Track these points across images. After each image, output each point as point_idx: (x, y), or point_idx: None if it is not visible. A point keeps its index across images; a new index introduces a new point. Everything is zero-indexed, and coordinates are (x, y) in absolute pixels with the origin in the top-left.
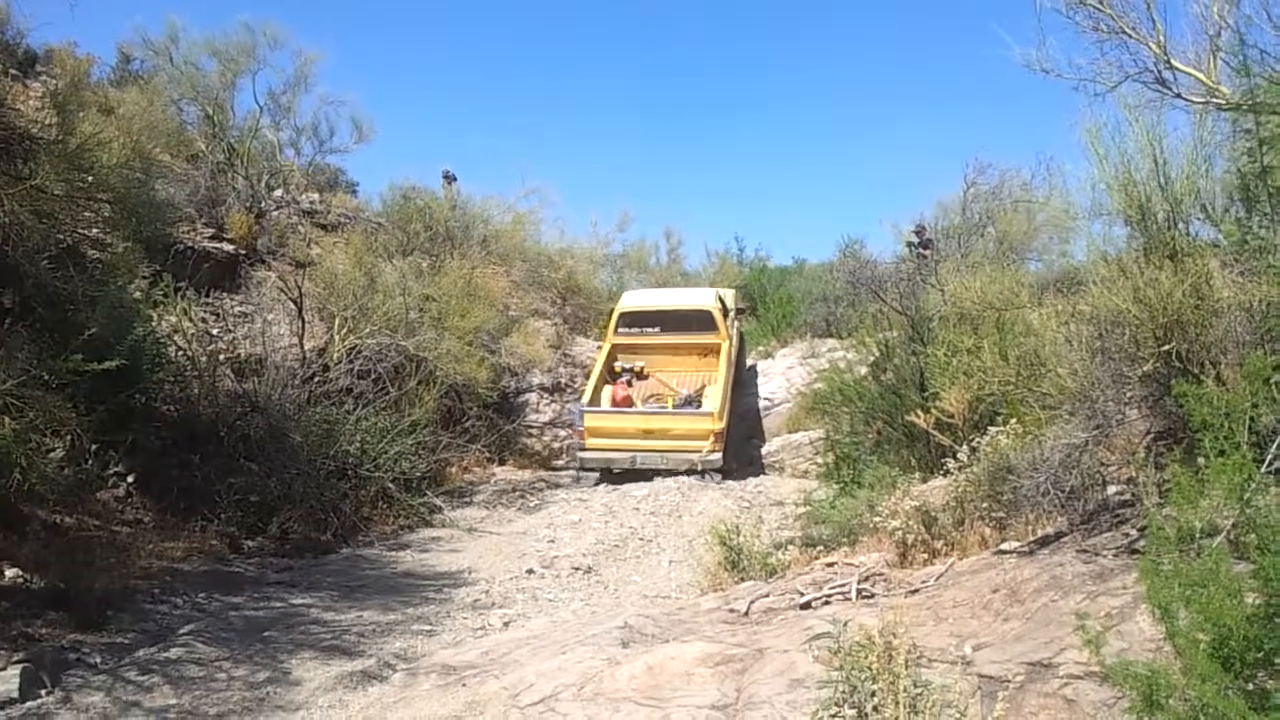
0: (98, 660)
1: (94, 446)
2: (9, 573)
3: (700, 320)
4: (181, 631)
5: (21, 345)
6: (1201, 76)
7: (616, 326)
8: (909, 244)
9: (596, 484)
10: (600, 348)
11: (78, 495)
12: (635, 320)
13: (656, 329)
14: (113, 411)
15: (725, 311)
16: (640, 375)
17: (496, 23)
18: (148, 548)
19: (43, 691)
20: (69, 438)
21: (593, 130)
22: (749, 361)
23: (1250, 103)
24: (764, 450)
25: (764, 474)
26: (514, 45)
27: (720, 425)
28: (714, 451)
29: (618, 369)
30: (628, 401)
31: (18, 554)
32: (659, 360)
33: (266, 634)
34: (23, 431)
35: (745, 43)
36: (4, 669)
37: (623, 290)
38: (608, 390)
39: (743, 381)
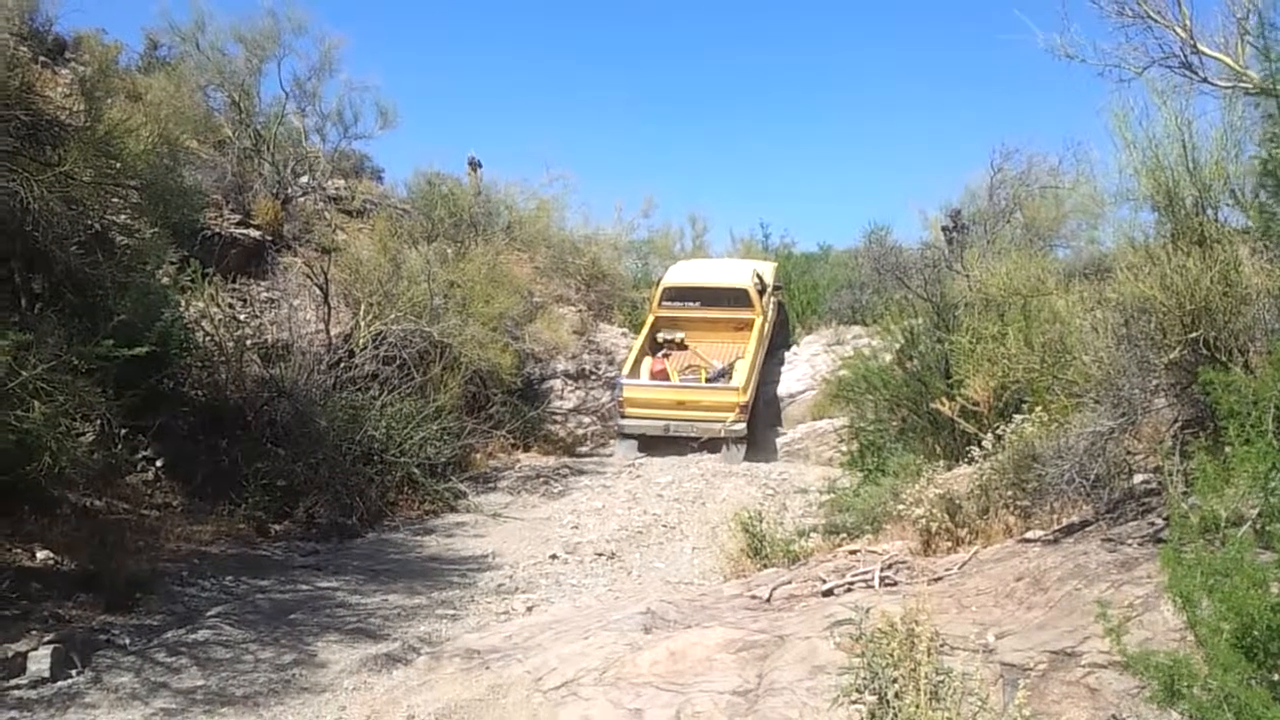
0: (127, 641)
1: (123, 431)
2: (40, 555)
3: (737, 296)
4: (209, 614)
5: (51, 330)
6: (1229, 61)
7: (660, 300)
8: (944, 228)
9: (639, 450)
10: (643, 323)
11: (107, 479)
12: (677, 295)
13: (696, 303)
14: (141, 396)
15: (762, 288)
16: (680, 346)
17: (519, 7)
18: (176, 531)
19: (73, 671)
20: (98, 422)
21: (617, 115)
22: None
23: (1270, 87)
24: (789, 437)
25: (786, 461)
26: (538, 29)
27: (745, 398)
28: (738, 421)
29: (660, 339)
30: (664, 374)
31: (48, 536)
32: (697, 332)
33: (293, 617)
34: (53, 416)
35: (771, 26)
36: (35, 649)
37: (648, 276)
38: (647, 362)
39: (779, 348)
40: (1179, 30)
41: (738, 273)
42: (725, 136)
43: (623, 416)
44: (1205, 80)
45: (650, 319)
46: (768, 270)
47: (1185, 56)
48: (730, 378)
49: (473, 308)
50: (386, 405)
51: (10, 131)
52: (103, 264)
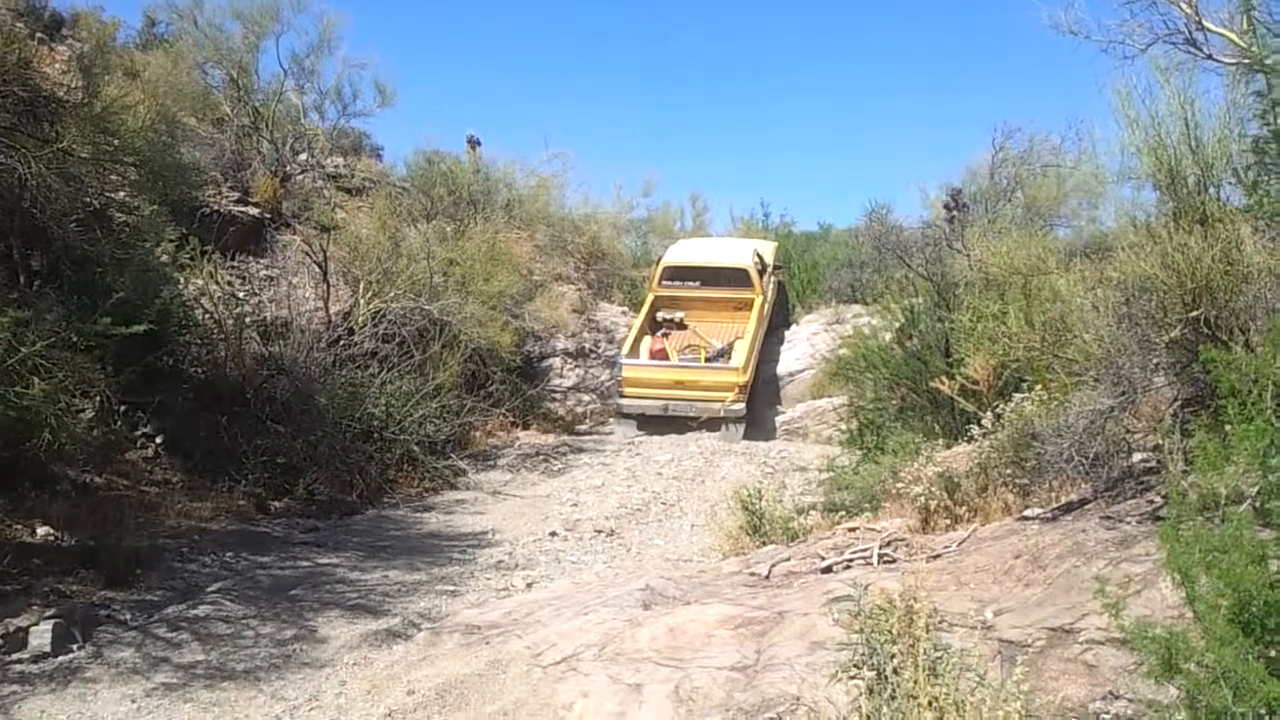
0: (128, 617)
1: (122, 407)
2: (40, 530)
3: (737, 276)
4: (210, 589)
5: (50, 307)
6: (1233, 36)
7: (660, 279)
8: (945, 206)
9: (638, 429)
10: (642, 302)
11: (107, 455)
12: (677, 274)
13: (696, 283)
14: (141, 373)
15: (762, 268)
16: (680, 326)
17: None
18: (176, 507)
19: (74, 646)
20: (98, 399)
21: (617, 93)
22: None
23: (1259, 62)
24: (788, 416)
25: (785, 440)
26: (538, 7)
27: (745, 378)
28: (737, 401)
29: (660, 319)
30: (663, 354)
31: (48, 512)
32: (697, 312)
33: (293, 593)
34: (52, 392)
35: (772, 6)
36: (36, 624)
37: (647, 255)
38: (646, 341)
39: (779, 327)
40: (1184, 6)
41: (738, 252)
42: (726, 116)
43: (621, 396)
44: (1210, 57)
45: (650, 298)
46: (768, 250)
47: (1190, 33)
48: (729, 357)
49: (472, 286)
50: (386, 383)
51: (8, 108)
52: (101, 241)
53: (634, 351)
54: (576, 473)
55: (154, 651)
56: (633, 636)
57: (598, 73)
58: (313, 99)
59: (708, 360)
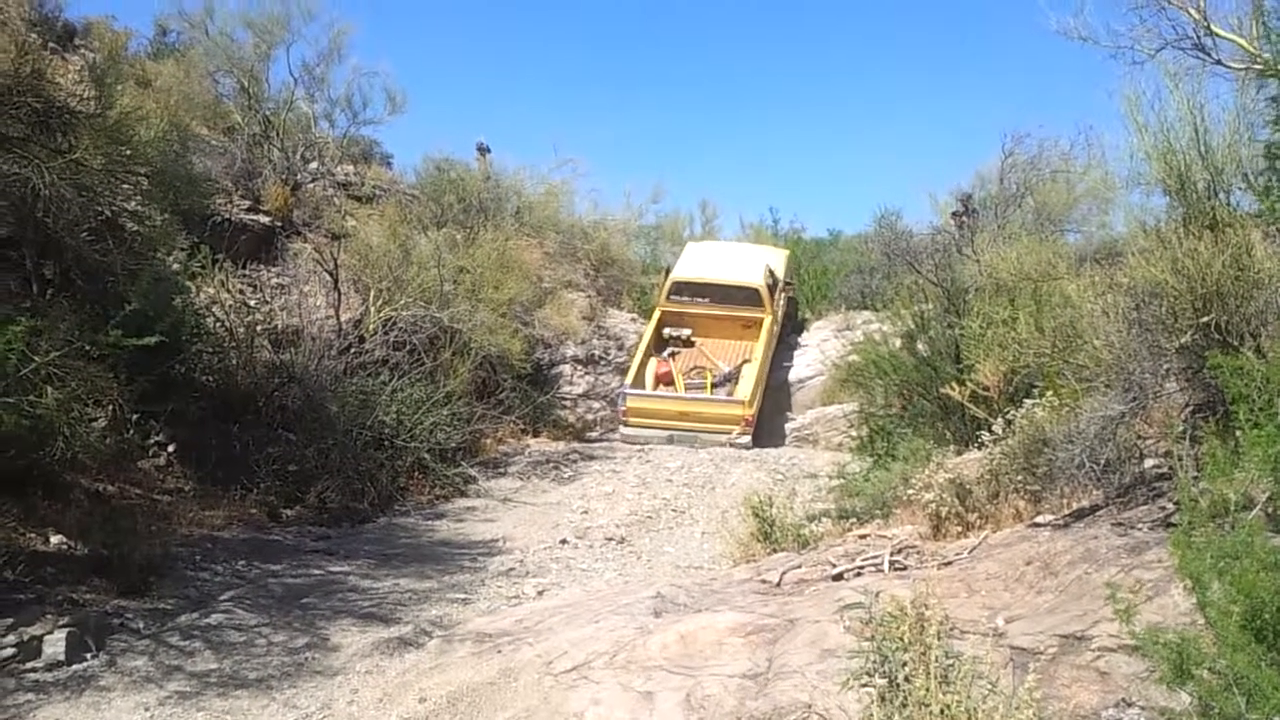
0: (141, 625)
1: (135, 416)
2: (54, 539)
3: (748, 295)
4: (222, 598)
5: (63, 316)
6: (1243, 42)
7: (668, 294)
8: (954, 213)
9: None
10: (651, 315)
11: (119, 464)
12: (686, 290)
13: (705, 299)
14: (153, 382)
15: (774, 285)
16: (687, 343)
17: None
18: (188, 515)
19: (88, 655)
20: (110, 407)
21: (626, 100)
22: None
23: (1272, 68)
24: (798, 423)
25: (795, 447)
26: (547, 14)
27: (751, 411)
28: (744, 434)
29: (666, 336)
30: (669, 378)
31: (62, 521)
32: (705, 328)
33: (305, 601)
34: (65, 401)
35: (780, 11)
36: (50, 632)
37: (656, 262)
38: (652, 363)
39: (789, 333)
40: (1192, 11)
41: (750, 269)
42: (736, 122)
43: (625, 425)
44: (1219, 62)
45: (657, 313)
46: (779, 262)
47: (1198, 38)
48: (737, 384)
49: (482, 293)
50: (397, 390)
51: (21, 119)
52: (113, 250)
53: (639, 376)
54: (587, 480)
55: (167, 660)
56: (644, 644)
57: (607, 80)
58: (323, 107)
59: (714, 385)
